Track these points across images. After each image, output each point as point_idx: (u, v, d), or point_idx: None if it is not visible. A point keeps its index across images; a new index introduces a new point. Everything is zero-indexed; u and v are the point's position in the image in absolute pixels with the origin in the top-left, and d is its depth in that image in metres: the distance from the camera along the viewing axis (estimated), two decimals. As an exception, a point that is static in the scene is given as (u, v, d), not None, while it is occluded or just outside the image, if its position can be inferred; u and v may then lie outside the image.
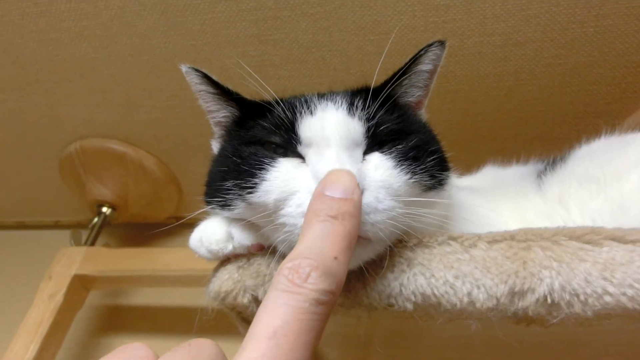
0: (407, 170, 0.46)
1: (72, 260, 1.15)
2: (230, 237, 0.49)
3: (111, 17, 1.00)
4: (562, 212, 0.56)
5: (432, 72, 0.55)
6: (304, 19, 0.99)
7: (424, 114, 0.59)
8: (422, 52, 0.54)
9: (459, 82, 1.06)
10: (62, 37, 1.04)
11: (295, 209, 0.43)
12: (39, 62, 1.08)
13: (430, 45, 0.54)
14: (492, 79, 1.05)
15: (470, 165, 0.81)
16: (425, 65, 0.54)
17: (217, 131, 0.58)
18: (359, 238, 0.42)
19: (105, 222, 1.32)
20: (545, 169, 0.64)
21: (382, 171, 0.45)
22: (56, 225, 1.56)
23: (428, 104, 1.18)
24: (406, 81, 0.54)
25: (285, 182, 0.44)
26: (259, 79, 0.48)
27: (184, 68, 0.55)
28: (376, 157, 0.46)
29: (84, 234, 1.29)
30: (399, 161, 0.46)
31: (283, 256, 0.46)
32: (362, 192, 0.42)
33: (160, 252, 1.18)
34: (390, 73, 0.54)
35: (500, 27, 0.96)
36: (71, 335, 1.15)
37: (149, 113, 1.18)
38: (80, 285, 1.14)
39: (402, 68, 0.53)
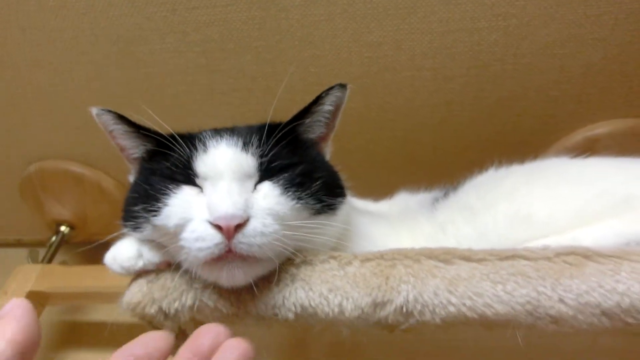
0: (293, 196, 0.52)
1: (27, 277, 1.19)
2: (140, 255, 0.55)
3: (65, 47, 1.05)
4: (442, 237, 0.63)
5: (334, 112, 0.61)
6: (248, 51, 1.06)
7: (329, 147, 0.64)
8: (323, 95, 0.59)
9: (396, 113, 1.14)
10: (18, 65, 1.09)
11: (190, 234, 0.49)
12: (-4, 88, 1.13)
13: (331, 88, 0.59)
14: (426, 110, 1.13)
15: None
16: (327, 106, 0.60)
17: (132, 166, 0.63)
18: (249, 257, 0.49)
19: (64, 240, 1.36)
20: (440, 197, 0.71)
21: (269, 200, 0.51)
22: (18, 244, 1.59)
23: (366, 129, 1.23)
24: (308, 120, 0.59)
25: (183, 209, 0.51)
26: (158, 119, 0.54)
27: (94, 111, 0.59)
28: (266, 187, 0.52)
29: (42, 252, 1.33)
30: (286, 188, 0.52)
31: (186, 271, 0.52)
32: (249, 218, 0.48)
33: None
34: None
35: (428, 62, 1.04)
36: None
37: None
38: (36, 301, 1.17)
39: (304, 109, 0.59)
